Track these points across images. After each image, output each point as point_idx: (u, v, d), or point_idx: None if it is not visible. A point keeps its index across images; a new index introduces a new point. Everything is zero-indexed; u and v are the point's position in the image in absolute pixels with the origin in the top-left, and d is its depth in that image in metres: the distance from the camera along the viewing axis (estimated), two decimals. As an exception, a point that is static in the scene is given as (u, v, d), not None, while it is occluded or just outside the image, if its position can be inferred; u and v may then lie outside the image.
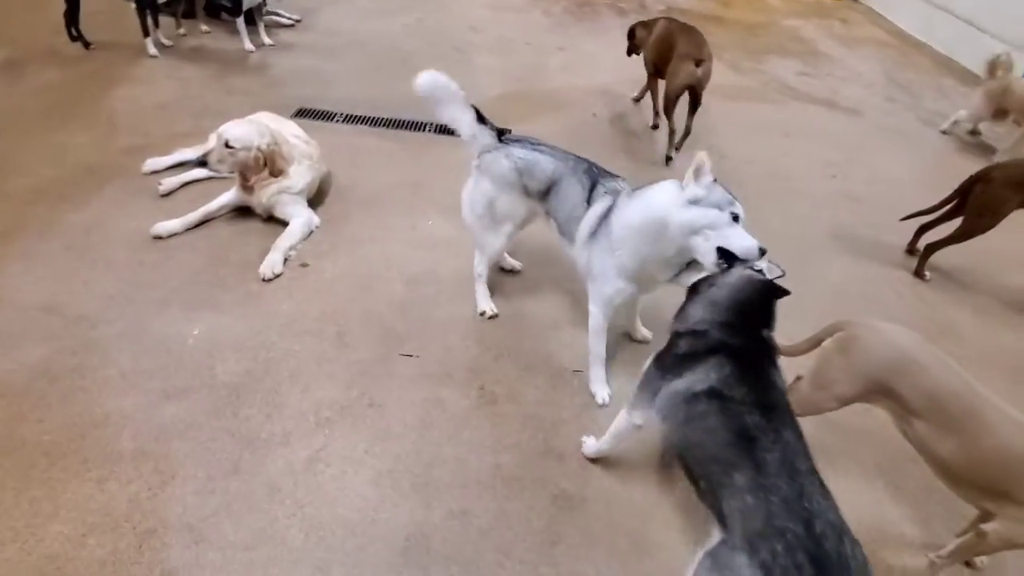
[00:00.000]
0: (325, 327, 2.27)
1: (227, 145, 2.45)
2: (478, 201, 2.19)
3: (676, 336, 1.62)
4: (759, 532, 1.18)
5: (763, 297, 1.54)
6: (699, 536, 1.73)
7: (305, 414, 1.94)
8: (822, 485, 1.26)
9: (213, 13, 4.78)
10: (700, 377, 1.46)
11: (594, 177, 2.00)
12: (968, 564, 1.80)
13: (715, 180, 1.69)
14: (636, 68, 4.88)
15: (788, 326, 2.89)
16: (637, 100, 4.46)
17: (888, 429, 1.78)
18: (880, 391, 1.66)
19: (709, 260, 1.66)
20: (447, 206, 3.02)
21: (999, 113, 4.39)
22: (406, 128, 3.74)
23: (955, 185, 3.00)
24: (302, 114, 3.70)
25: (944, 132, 4.69)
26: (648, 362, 1.67)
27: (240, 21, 4.36)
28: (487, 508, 1.76)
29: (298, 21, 5.08)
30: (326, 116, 3.75)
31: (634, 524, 1.76)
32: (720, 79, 5.07)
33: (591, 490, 1.84)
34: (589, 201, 1.96)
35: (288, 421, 1.92)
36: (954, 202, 2.94)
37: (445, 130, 3.75)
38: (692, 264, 1.79)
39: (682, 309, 1.64)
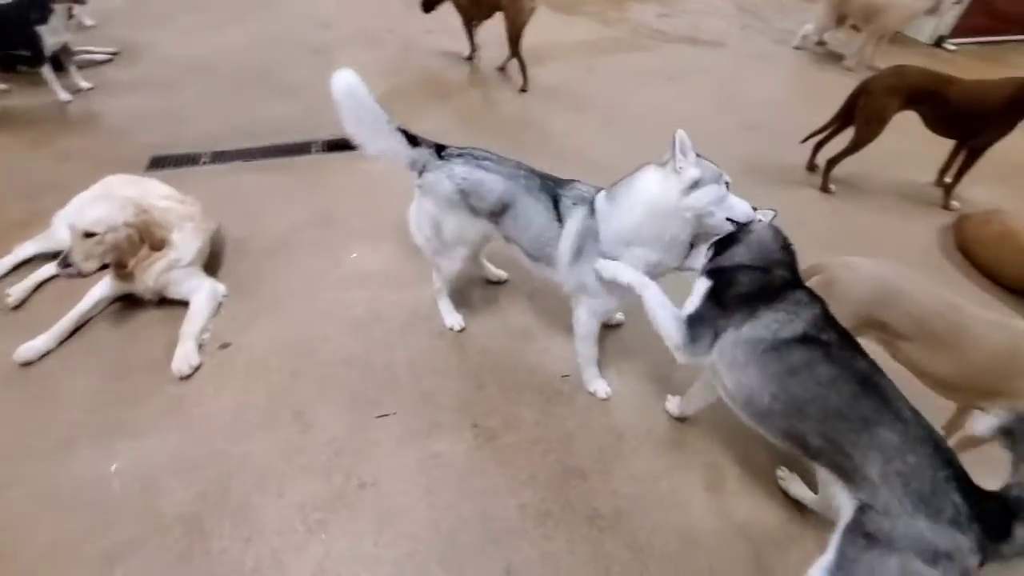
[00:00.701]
0: (277, 412, 1.96)
1: (87, 235, 1.99)
2: (424, 224, 1.99)
3: (728, 272, 1.50)
4: (932, 491, 1.13)
5: (787, 241, 1.55)
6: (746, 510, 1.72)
7: (290, 523, 1.66)
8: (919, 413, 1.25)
9: (7, 66, 3.92)
10: (783, 319, 1.36)
11: (551, 190, 1.83)
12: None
13: (698, 154, 1.61)
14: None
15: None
16: (470, 57, 4.46)
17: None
18: (868, 325, 1.71)
19: (726, 230, 1.62)
20: (367, 233, 2.74)
21: (840, 19, 4.78)
22: (288, 153, 3.33)
23: (822, 96, 3.20)
24: (158, 165, 3.16)
25: (797, 48, 5.03)
26: (698, 300, 1.54)
27: (46, 69, 3.61)
28: (528, 557, 1.62)
29: (115, 54, 4.32)
30: (189, 161, 3.23)
31: (676, 520, 1.71)
32: (592, 35, 5.08)
33: (623, 500, 1.76)
34: (560, 219, 1.79)
35: (273, 539, 1.63)
36: (842, 117, 3.14)
37: (335, 145, 3.41)
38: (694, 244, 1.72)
39: (717, 254, 1.57)
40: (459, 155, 1.92)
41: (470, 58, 4.47)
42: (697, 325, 1.51)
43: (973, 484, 1.17)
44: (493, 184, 1.85)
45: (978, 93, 2.84)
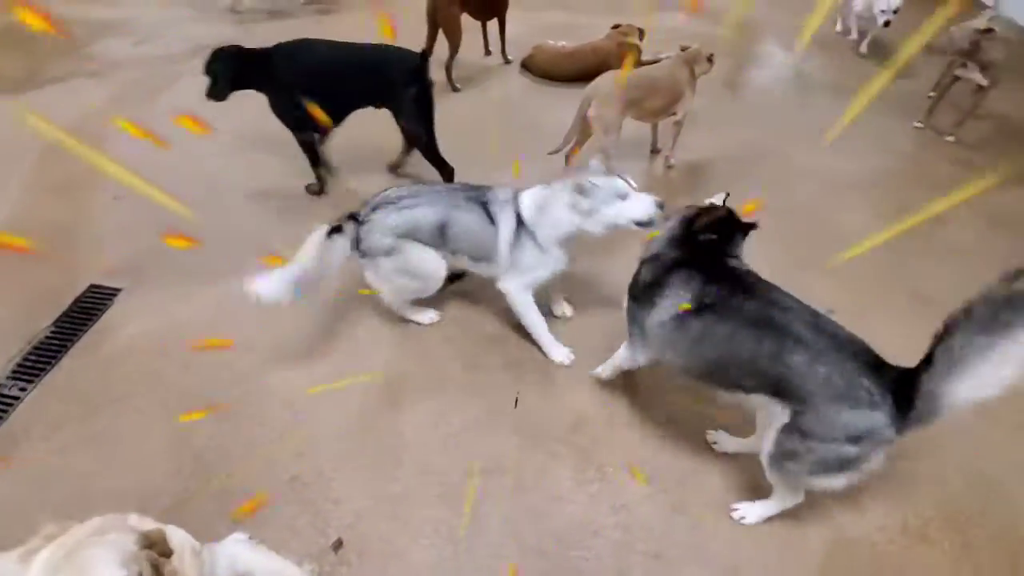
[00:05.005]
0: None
1: None
2: (392, 278, 2.04)
3: (638, 269, 1.72)
4: (847, 385, 1.27)
5: (685, 224, 1.68)
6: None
7: None
8: (815, 312, 1.39)
9: None
10: (673, 298, 1.50)
11: (477, 199, 1.98)
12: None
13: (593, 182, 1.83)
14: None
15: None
16: None
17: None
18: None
19: (635, 226, 1.86)
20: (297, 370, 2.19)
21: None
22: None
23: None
24: None
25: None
26: (626, 299, 1.75)
27: None
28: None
29: None
30: None
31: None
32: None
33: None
34: (492, 221, 1.98)
35: None
36: (432, 30, 3.91)
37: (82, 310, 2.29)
38: None
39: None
40: (374, 209, 1.98)
41: None
42: (630, 326, 1.71)
43: (882, 365, 1.29)
44: (425, 216, 1.97)
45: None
